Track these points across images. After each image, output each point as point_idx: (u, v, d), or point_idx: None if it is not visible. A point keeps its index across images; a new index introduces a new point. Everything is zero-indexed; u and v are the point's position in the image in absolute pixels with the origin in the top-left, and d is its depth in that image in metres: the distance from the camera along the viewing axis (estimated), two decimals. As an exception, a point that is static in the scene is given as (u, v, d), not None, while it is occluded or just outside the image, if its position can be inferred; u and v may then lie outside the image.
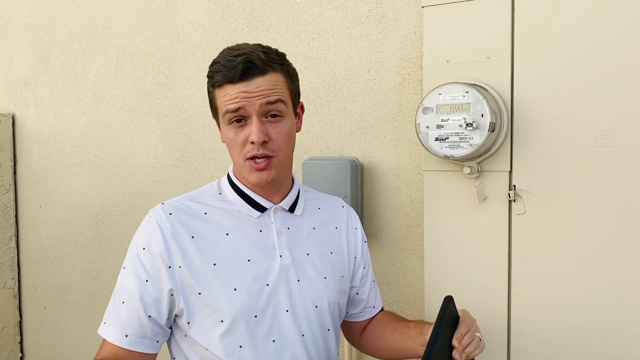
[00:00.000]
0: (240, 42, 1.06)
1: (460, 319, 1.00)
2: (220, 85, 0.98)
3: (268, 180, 1.00)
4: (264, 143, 0.97)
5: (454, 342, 0.94)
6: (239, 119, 0.98)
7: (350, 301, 1.18)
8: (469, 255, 1.25)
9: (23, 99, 2.10)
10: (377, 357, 1.20)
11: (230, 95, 0.96)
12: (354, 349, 1.53)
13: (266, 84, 0.97)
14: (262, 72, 0.97)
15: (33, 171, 2.10)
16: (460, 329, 0.97)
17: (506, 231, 1.22)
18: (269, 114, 0.98)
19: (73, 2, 1.96)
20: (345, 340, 1.40)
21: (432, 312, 1.31)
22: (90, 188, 1.98)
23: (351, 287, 1.16)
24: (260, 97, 0.96)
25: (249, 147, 0.98)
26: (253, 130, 0.96)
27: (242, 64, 0.95)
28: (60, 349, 2.11)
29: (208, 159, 1.75)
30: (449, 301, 0.97)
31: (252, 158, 0.98)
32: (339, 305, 1.10)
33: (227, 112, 0.97)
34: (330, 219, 1.14)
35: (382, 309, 1.24)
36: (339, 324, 1.14)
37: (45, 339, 2.14)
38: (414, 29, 1.43)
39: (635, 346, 1.12)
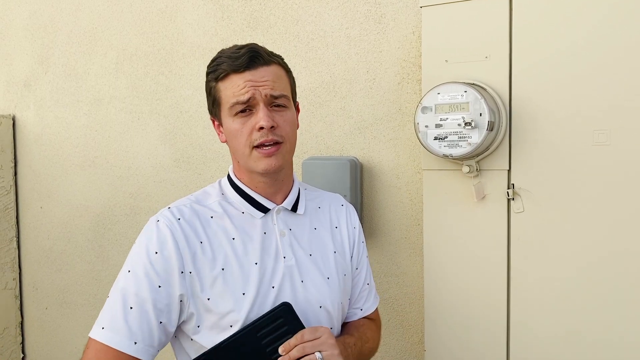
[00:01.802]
0: (239, 42, 1.07)
1: (301, 331, 0.96)
2: (226, 76, 0.99)
3: (276, 167, 1.00)
4: (272, 128, 0.98)
5: (280, 349, 0.94)
6: (244, 109, 0.98)
7: None
8: (468, 253, 1.26)
9: (23, 100, 2.11)
10: None
11: (239, 85, 0.97)
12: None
13: (271, 75, 0.99)
14: (267, 62, 0.99)
15: (34, 172, 2.11)
16: (291, 340, 0.94)
17: (505, 229, 1.22)
18: (274, 104, 1.00)
19: (73, 3, 1.97)
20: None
21: (431, 310, 1.32)
22: (90, 189, 1.99)
23: None
24: (266, 86, 0.98)
25: (256, 134, 0.98)
26: (261, 116, 0.97)
27: (247, 53, 0.98)
28: (62, 349, 2.12)
29: (208, 159, 1.76)
30: (280, 306, 0.96)
31: (260, 146, 0.98)
32: (342, 304, 1.10)
33: (237, 103, 0.98)
34: (331, 219, 1.14)
35: (375, 311, 1.20)
36: (342, 323, 1.14)
37: (46, 339, 2.14)
38: (412, 29, 1.43)
39: (634, 340, 1.12)
